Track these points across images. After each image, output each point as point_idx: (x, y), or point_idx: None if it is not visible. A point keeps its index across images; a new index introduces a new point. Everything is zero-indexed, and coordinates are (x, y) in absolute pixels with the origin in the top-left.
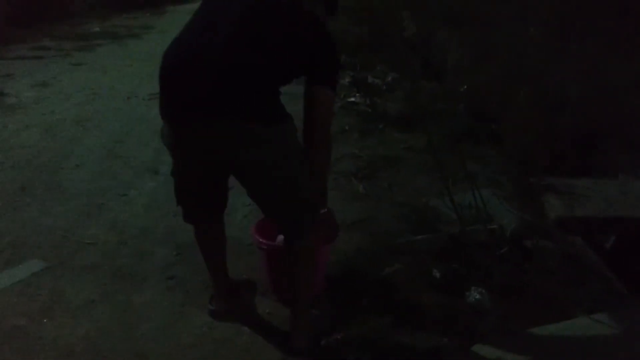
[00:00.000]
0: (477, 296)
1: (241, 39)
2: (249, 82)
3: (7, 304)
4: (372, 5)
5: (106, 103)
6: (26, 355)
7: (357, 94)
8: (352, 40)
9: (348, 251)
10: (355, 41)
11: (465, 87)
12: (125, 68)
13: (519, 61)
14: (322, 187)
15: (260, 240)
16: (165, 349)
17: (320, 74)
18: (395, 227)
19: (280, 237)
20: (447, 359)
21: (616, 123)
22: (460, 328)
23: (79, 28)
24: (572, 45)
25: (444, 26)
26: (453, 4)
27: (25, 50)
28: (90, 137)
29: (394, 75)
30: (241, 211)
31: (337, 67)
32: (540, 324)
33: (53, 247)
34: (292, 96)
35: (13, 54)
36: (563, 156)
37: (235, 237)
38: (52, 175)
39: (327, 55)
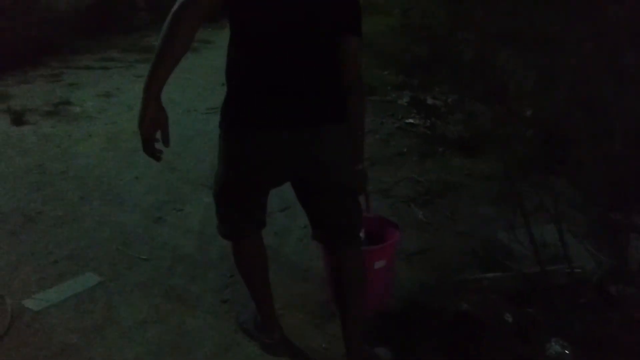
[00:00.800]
0: (559, 349)
1: (305, 50)
2: (325, 87)
3: (59, 320)
4: (432, 24)
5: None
6: None
7: (416, 115)
8: (411, 60)
9: (409, 285)
10: (414, 60)
11: (531, 111)
12: (184, 81)
13: (593, 84)
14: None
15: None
16: None
17: (351, 24)
18: (460, 261)
19: None
20: None
21: None
22: None
23: (142, 41)
24: None
25: (506, 46)
26: (517, 23)
27: (92, 60)
28: None
29: (454, 97)
30: (296, 233)
31: (360, 14)
32: None
33: (108, 260)
34: None
35: (81, 63)
36: None
37: (288, 262)
38: (111, 186)
39: (355, 6)
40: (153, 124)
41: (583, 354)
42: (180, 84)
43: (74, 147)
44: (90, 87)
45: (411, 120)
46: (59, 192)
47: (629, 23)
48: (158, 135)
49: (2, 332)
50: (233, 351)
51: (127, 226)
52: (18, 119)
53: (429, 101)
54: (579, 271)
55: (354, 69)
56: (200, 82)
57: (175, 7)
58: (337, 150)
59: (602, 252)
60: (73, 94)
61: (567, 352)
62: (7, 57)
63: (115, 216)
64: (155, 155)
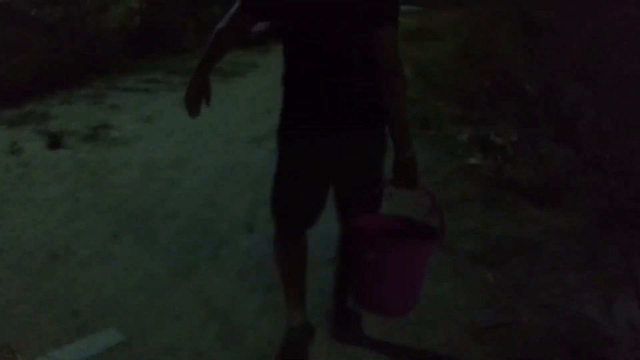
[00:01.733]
0: None
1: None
2: (367, 99)
3: None
4: (494, 53)
5: (207, 144)
6: None
7: (479, 155)
8: (472, 91)
9: None
10: (475, 92)
11: (609, 155)
12: (228, 107)
13: None
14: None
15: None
16: None
17: (385, 14)
18: (541, 342)
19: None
20: None
21: None
22: None
23: (188, 63)
24: None
25: (574, 80)
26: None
27: (135, 81)
28: (188, 180)
29: (520, 134)
30: None
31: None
32: None
33: (134, 314)
34: None
35: (125, 84)
36: None
37: None
38: (145, 223)
39: None
40: (197, 95)
41: None
42: (223, 111)
43: (110, 176)
44: (131, 110)
45: (473, 161)
46: (89, 227)
47: None
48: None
49: None
50: None
51: (158, 273)
52: (55, 142)
53: (492, 138)
54: None
55: (393, 56)
56: (244, 109)
57: (220, 23)
58: (374, 153)
59: None
60: (114, 116)
61: None
62: (54, 76)
63: (146, 258)
64: (193, 115)
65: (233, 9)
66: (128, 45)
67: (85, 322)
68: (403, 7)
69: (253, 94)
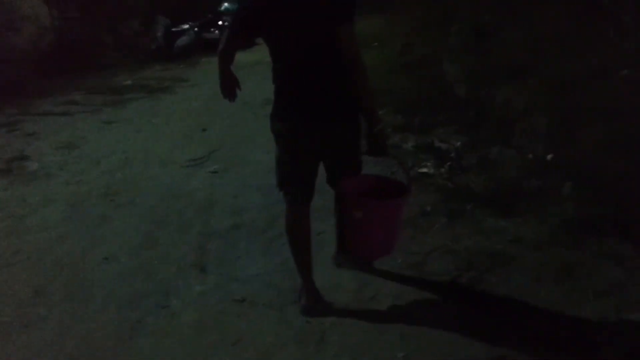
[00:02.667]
0: None
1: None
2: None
3: None
4: (427, 60)
5: (140, 170)
6: None
7: (428, 163)
8: (410, 99)
9: None
10: (413, 100)
11: (552, 156)
12: (160, 127)
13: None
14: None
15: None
16: None
17: (346, 13)
18: None
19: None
20: None
21: None
22: None
23: (110, 81)
24: None
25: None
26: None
27: (52, 105)
28: (122, 216)
29: (463, 139)
30: None
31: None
32: None
33: None
34: None
35: (39, 109)
36: None
37: None
38: (74, 273)
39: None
40: (231, 84)
41: None
42: (156, 130)
43: (30, 217)
44: (50, 137)
45: (425, 170)
46: (6, 285)
47: None
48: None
49: None
50: None
51: (95, 338)
52: None
53: (437, 144)
54: None
55: (353, 48)
56: (177, 129)
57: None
58: (352, 133)
59: None
60: (30, 146)
61: None
62: None
63: (80, 320)
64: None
65: (229, 31)
66: (41, 66)
67: None
68: None
69: (185, 111)
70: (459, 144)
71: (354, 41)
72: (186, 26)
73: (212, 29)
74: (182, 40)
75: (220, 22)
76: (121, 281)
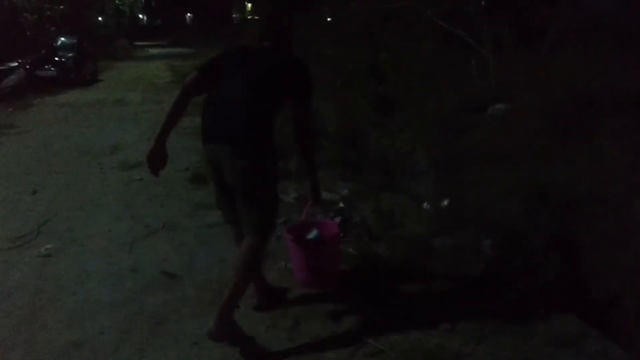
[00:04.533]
0: None
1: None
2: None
3: None
4: None
5: None
6: None
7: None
8: (282, 140)
9: None
10: (286, 141)
11: (447, 201)
12: None
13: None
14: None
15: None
16: None
17: (303, 96)
18: None
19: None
20: None
21: None
22: None
23: None
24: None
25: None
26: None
27: None
28: None
29: (349, 186)
30: None
31: (311, 86)
32: None
33: None
34: None
35: None
36: None
37: None
38: None
39: (306, 83)
40: (157, 159)
41: None
42: None
43: None
44: None
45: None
46: None
47: None
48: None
49: None
50: None
51: None
52: None
53: (323, 195)
54: None
55: (304, 121)
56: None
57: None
58: (250, 168)
59: None
60: None
61: None
62: None
63: None
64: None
65: (190, 77)
66: None
67: None
68: (176, 50)
69: (11, 166)
70: (345, 192)
71: (309, 116)
72: (15, 63)
73: (47, 66)
74: (10, 80)
75: (56, 59)
76: None
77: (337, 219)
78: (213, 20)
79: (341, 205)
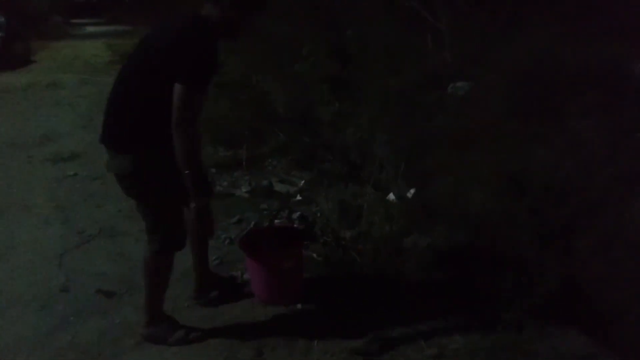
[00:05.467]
0: None
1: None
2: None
3: None
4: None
5: None
6: None
7: (274, 218)
8: (231, 126)
9: None
10: (235, 127)
11: (413, 191)
12: None
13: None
14: (195, 178)
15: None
16: None
17: (179, 74)
18: None
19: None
20: None
21: None
22: None
23: None
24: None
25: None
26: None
27: None
28: None
29: (305, 175)
30: None
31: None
32: None
33: None
34: None
35: None
36: None
37: None
38: None
39: (185, 65)
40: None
41: None
42: None
43: None
44: None
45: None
46: None
47: None
48: None
49: None
50: None
51: None
52: None
53: (277, 187)
54: None
55: (178, 109)
56: None
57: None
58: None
59: None
60: None
61: None
62: None
63: None
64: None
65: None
66: None
67: None
68: (114, 27)
69: None
70: (302, 182)
71: (183, 105)
72: None
73: None
74: None
75: None
76: None
77: (296, 215)
78: None
79: (298, 198)
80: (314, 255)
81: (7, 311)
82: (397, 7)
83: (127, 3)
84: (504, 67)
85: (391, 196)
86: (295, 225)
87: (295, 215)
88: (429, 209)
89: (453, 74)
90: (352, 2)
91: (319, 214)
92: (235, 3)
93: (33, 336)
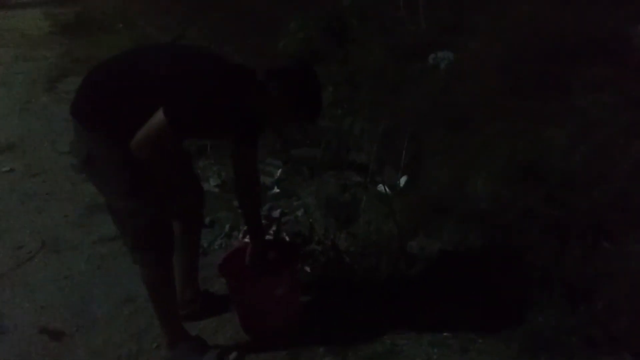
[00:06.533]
0: None
1: None
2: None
3: None
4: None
5: None
6: None
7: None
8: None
9: None
10: None
11: (405, 178)
12: None
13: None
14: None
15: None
16: None
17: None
18: None
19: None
20: None
21: None
22: None
23: None
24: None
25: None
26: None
27: None
28: None
29: (279, 163)
30: None
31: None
32: None
33: None
34: None
35: None
36: None
37: None
38: None
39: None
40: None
41: None
42: None
43: None
44: None
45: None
46: None
47: None
48: None
49: None
50: None
51: None
52: None
53: None
54: None
55: (140, 132)
56: None
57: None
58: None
59: None
60: None
61: None
62: None
63: None
64: None
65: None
66: None
67: None
68: None
69: None
70: (279, 172)
71: (148, 130)
72: None
73: None
74: None
75: None
76: None
77: (276, 213)
78: None
79: (276, 190)
80: (306, 268)
81: None
82: None
83: None
84: (488, 34)
85: (380, 187)
86: (285, 238)
87: (276, 212)
88: (431, 203)
89: (430, 43)
90: None
91: (301, 211)
92: (292, 103)
93: None
